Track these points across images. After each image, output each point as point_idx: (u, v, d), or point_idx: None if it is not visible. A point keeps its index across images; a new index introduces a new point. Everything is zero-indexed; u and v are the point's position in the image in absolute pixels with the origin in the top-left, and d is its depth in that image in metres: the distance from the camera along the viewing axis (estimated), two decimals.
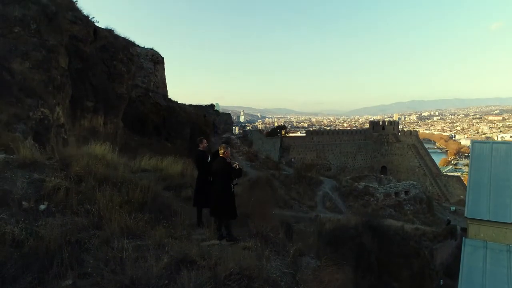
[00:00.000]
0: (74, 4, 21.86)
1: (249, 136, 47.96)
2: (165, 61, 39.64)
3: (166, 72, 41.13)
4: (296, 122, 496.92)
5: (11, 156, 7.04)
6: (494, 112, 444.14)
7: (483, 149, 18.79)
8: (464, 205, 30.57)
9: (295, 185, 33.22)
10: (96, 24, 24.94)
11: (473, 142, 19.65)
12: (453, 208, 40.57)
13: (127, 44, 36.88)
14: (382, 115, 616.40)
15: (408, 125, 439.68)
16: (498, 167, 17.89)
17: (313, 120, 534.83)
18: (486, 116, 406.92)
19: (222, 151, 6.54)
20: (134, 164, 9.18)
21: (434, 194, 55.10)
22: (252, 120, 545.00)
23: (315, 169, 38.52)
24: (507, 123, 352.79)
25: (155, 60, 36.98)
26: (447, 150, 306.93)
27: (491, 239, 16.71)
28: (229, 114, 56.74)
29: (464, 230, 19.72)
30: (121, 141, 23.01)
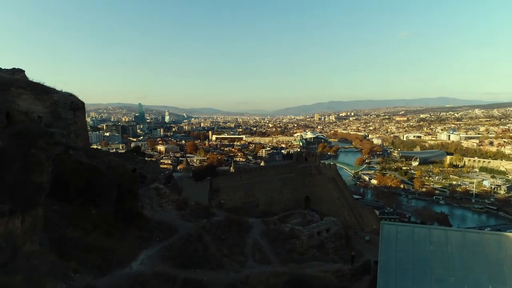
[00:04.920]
0: None
1: (178, 183, 47.77)
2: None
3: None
4: (223, 122, 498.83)
5: None
6: (401, 113, 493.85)
7: (390, 230, 21.21)
8: (377, 234, 34.22)
9: (226, 234, 34.11)
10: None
11: (382, 223, 22.06)
12: (367, 238, 45.07)
13: (46, 92, 34.26)
14: (304, 115, 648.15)
15: (328, 125, 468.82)
16: (402, 250, 20.45)
17: (240, 120, 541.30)
18: (394, 117, 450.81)
19: None
20: None
21: (351, 224, 60.83)
22: (178, 120, 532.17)
23: (243, 211, 39.77)
24: (411, 124, 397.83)
25: (75, 107, 34.67)
26: (361, 149, 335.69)
27: None
28: (156, 162, 55.48)
29: (376, 263, 21.90)
30: (40, 228, 21.49)
